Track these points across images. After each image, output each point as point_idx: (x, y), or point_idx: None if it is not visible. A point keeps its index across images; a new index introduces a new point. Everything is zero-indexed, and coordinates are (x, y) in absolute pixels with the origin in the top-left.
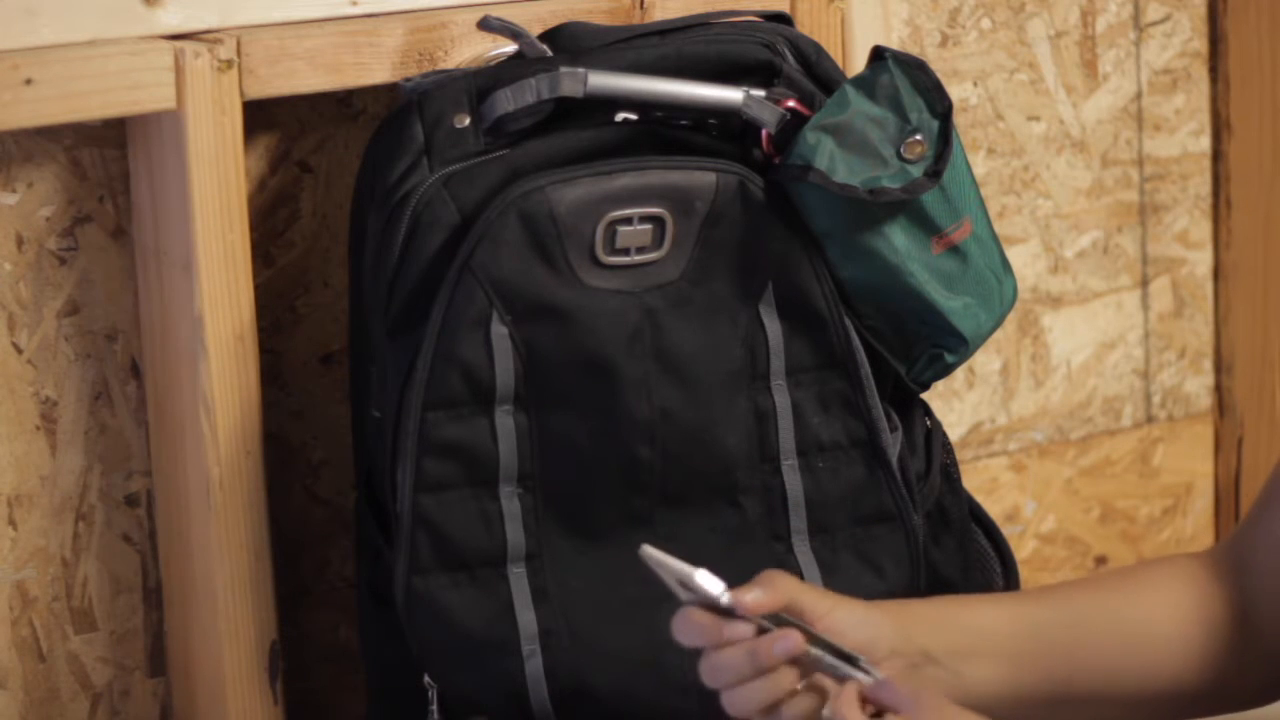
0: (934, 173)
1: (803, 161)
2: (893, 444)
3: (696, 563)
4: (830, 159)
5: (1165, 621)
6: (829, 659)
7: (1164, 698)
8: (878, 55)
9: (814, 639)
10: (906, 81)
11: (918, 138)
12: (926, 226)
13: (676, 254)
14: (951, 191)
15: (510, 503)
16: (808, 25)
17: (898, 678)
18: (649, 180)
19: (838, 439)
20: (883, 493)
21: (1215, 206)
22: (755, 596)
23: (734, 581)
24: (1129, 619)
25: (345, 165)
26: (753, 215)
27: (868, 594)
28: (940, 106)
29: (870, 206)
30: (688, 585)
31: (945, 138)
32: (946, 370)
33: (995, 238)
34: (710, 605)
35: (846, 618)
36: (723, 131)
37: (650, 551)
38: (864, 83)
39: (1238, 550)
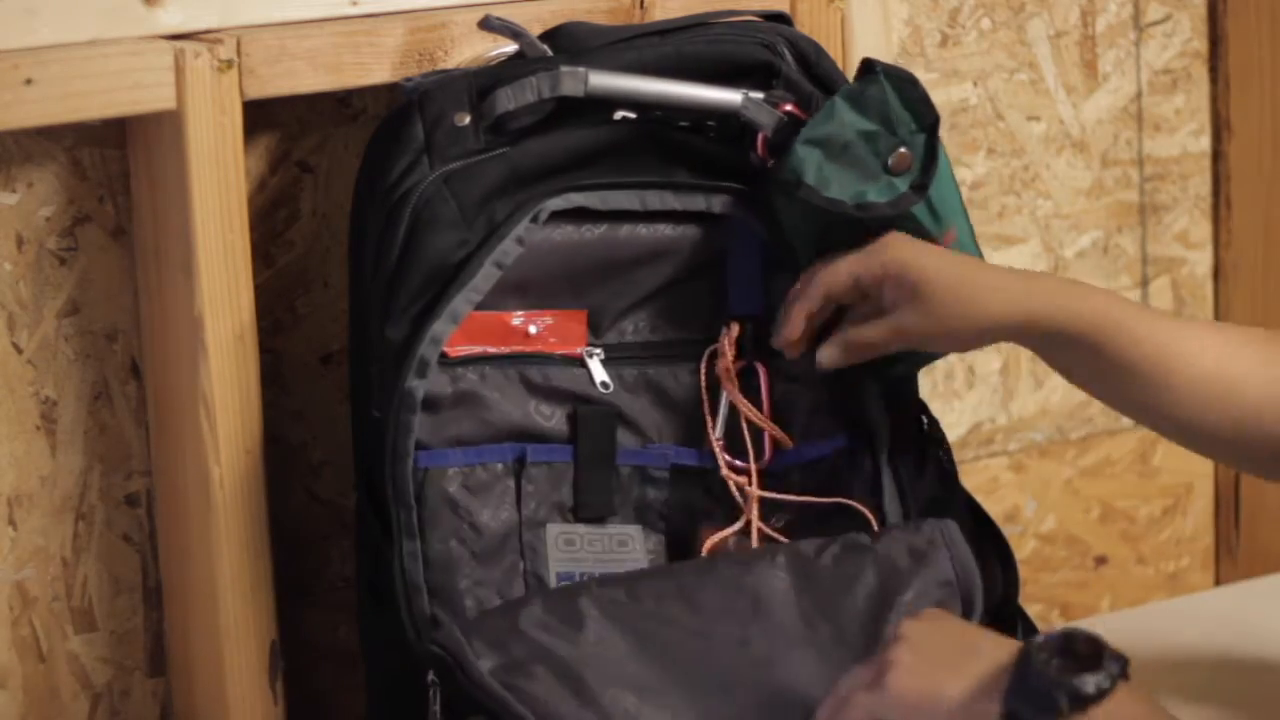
0: (920, 186)
1: (794, 176)
2: (891, 444)
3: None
4: (819, 172)
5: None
6: None
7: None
8: (868, 68)
9: None
10: (895, 95)
11: (904, 150)
12: (913, 235)
13: None
14: (936, 201)
15: None
16: (808, 25)
17: None
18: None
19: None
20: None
21: (1215, 206)
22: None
23: None
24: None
25: (345, 165)
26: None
27: None
28: (928, 120)
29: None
30: None
31: (931, 152)
32: (923, 362)
33: (977, 245)
34: None
35: None
36: (721, 133)
37: None
38: (853, 95)
39: None
